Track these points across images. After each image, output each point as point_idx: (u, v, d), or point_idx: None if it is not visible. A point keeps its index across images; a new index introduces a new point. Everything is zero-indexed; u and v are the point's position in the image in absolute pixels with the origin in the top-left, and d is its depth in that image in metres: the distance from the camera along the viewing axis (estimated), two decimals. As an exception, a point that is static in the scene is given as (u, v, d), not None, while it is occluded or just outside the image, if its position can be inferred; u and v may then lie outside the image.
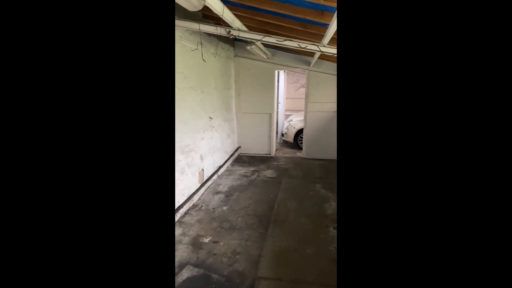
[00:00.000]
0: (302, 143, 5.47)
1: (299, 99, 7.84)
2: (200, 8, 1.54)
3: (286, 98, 7.57)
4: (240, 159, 5.16)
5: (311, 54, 4.08)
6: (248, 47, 2.96)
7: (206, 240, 2.53)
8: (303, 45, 2.30)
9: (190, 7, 1.51)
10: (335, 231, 2.67)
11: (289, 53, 4.79)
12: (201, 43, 3.13)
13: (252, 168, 4.60)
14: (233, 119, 5.10)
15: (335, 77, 4.79)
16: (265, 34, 2.31)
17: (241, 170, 4.52)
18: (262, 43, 3.41)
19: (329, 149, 5.06)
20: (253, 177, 4.20)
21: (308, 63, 4.76)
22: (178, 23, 2.25)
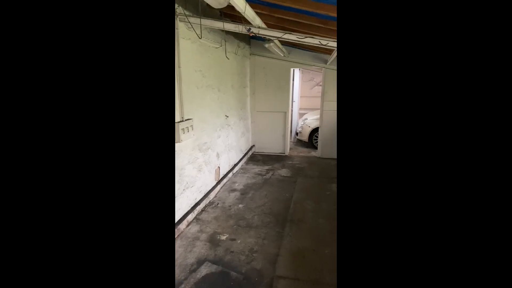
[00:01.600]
0: (317, 142, 5.41)
1: (313, 98, 7.74)
2: (225, 5, 1.54)
3: (301, 97, 7.49)
4: (254, 157, 5.16)
5: (329, 51, 4.02)
6: (266, 45, 2.94)
7: (223, 237, 2.54)
8: (324, 42, 2.25)
9: (215, 4, 1.51)
10: (353, 232, 2.62)
11: (305, 51, 4.73)
12: (225, 40, 3.14)
13: (266, 167, 4.59)
14: (247, 117, 5.10)
15: (353, 75, 4.68)
16: (285, 31, 2.29)
17: (255, 168, 4.52)
18: (279, 41, 3.39)
19: (345, 149, 4.96)
20: (268, 175, 4.18)
21: (325, 61, 4.69)
22: (203, 22, 2.26)
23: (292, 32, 2.29)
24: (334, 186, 3.76)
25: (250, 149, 5.23)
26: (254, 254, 2.30)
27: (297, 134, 6.27)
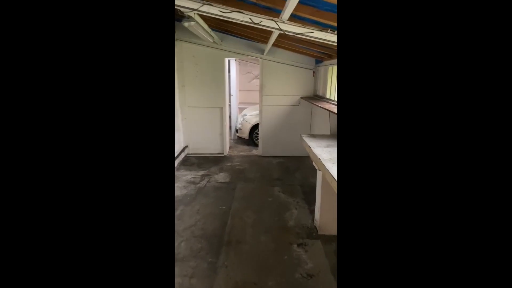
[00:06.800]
0: (258, 139, 5.01)
1: (253, 91, 7.33)
2: None
3: (239, 90, 6.99)
4: (187, 160, 4.45)
5: (265, 40, 3.57)
6: (186, 24, 2.28)
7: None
8: (256, 20, 1.74)
9: None
10: (299, 250, 2.25)
11: (240, 38, 4.21)
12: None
13: (201, 172, 3.96)
14: (177, 114, 4.35)
15: (292, 67, 4.39)
16: (205, 2, 1.69)
17: (188, 175, 3.84)
18: (206, 23, 2.76)
19: (288, 146, 4.69)
20: (203, 183, 3.58)
21: (262, 51, 4.25)
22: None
23: (213, 4, 1.70)
24: (276, 190, 3.40)
25: (183, 150, 4.50)
26: (176, 305, 1.70)
27: (237, 131, 5.77)
